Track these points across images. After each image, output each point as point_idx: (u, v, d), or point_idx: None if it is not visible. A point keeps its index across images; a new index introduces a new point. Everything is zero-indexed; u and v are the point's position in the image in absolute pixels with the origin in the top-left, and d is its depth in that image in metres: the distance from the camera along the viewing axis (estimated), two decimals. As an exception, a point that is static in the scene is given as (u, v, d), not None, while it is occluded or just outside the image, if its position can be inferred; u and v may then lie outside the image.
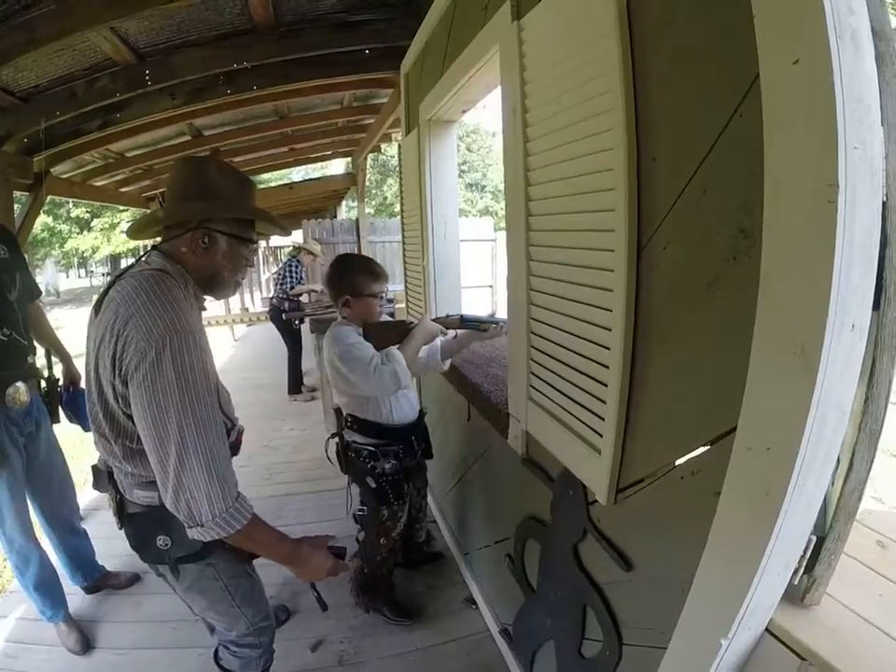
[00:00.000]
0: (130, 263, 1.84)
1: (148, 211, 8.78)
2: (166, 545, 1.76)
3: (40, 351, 3.20)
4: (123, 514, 1.82)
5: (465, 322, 2.82)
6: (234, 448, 1.96)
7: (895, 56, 0.95)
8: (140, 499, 1.72)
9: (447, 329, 2.78)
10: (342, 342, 2.57)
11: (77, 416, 3.24)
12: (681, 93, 1.22)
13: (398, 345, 2.60)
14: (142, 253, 1.85)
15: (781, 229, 0.94)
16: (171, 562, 1.80)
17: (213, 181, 1.73)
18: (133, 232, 1.93)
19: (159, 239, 1.85)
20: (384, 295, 2.76)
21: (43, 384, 3.10)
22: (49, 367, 3.20)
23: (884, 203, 0.94)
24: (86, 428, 3.21)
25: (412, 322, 2.76)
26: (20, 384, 2.75)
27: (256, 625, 2.07)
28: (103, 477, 1.83)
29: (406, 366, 2.50)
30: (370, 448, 2.75)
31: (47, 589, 3.03)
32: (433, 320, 2.78)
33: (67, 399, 3.24)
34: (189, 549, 1.74)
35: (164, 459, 1.50)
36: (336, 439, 2.92)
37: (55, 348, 3.34)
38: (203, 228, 1.70)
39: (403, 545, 3.35)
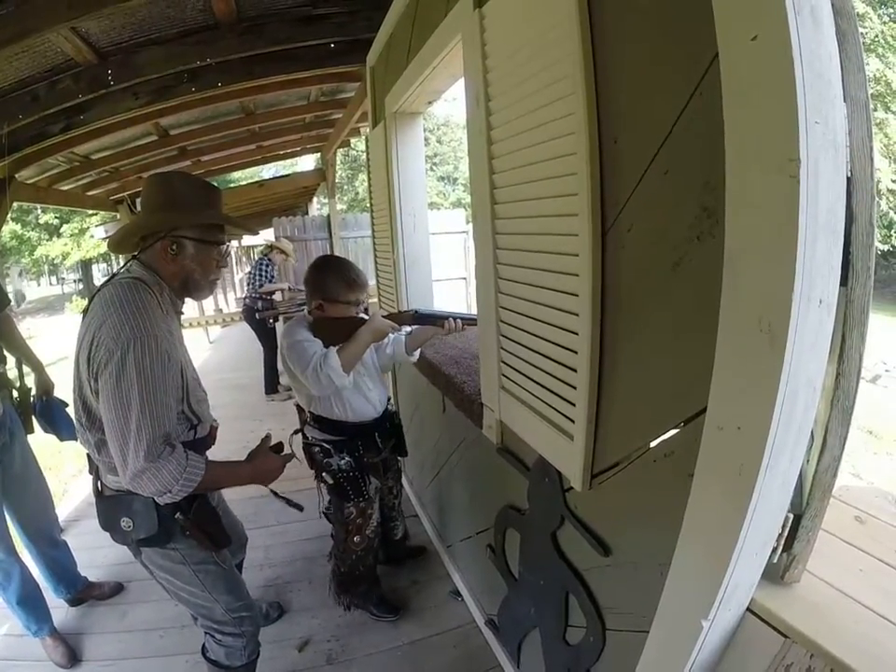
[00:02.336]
0: (115, 271, 2.03)
1: (119, 216, 8.96)
2: (129, 527, 1.91)
3: (11, 361, 3.16)
4: (99, 495, 2.00)
5: (419, 317, 2.80)
6: (207, 442, 2.16)
7: (857, 33, 0.96)
8: (111, 483, 1.91)
9: (401, 325, 2.74)
10: (290, 336, 2.60)
11: (52, 426, 3.21)
12: (641, 75, 1.22)
13: (340, 345, 2.58)
14: (123, 262, 2.01)
15: (744, 205, 0.94)
16: (133, 543, 1.98)
17: (176, 192, 1.92)
18: (114, 246, 2.09)
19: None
20: (360, 303, 2.72)
21: (15, 394, 3.06)
22: (21, 377, 3.17)
23: (849, 179, 0.94)
24: (61, 438, 3.19)
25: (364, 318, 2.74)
26: None
27: (234, 613, 2.18)
28: (92, 462, 2.00)
29: (341, 369, 2.47)
30: (323, 444, 2.74)
31: (30, 604, 2.99)
32: (386, 317, 2.73)
33: (41, 408, 3.20)
34: (149, 531, 1.90)
35: (124, 446, 1.69)
36: (299, 435, 2.90)
37: (27, 358, 3.27)
38: (171, 236, 1.87)
39: (382, 543, 3.34)
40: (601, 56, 1.32)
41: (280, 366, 6.82)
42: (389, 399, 3.07)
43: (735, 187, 0.95)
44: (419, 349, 3.01)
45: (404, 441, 3.16)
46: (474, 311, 2.44)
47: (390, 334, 2.76)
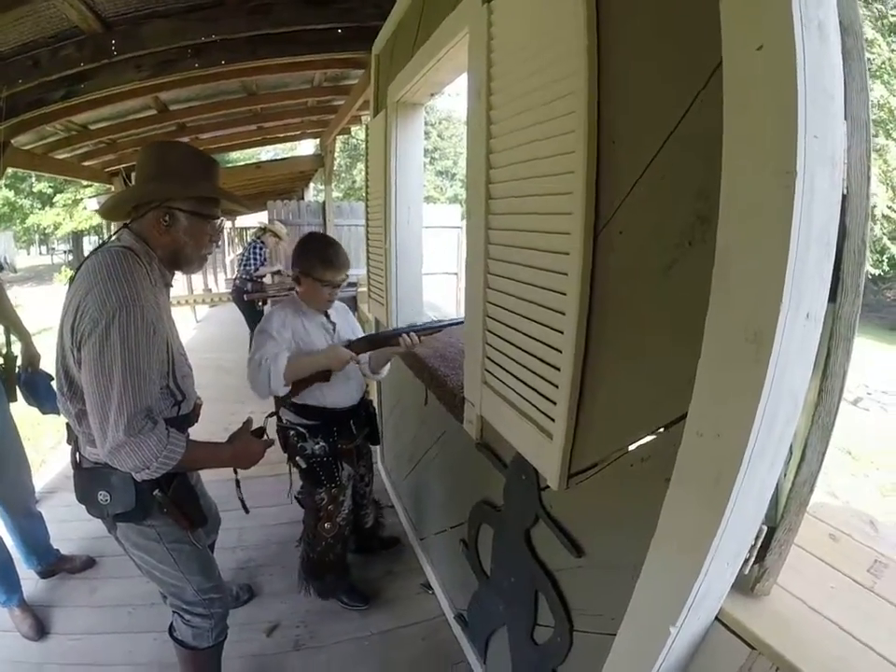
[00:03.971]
0: (104, 239, 2.05)
1: (113, 189, 8.90)
2: (106, 500, 1.89)
3: None
4: (78, 467, 1.98)
5: (372, 342, 2.86)
6: (190, 419, 2.15)
7: (863, 52, 0.96)
8: (90, 455, 1.89)
9: (358, 353, 2.78)
10: (261, 324, 2.69)
11: (35, 397, 3.18)
12: (644, 78, 1.22)
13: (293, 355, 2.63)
14: (114, 231, 1.99)
15: (738, 214, 0.94)
16: (109, 517, 1.96)
17: (172, 162, 1.89)
18: (105, 212, 2.11)
19: None
20: (335, 285, 2.74)
21: (0, 361, 3.06)
22: (8, 344, 3.17)
23: (844, 196, 0.95)
24: (43, 411, 3.17)
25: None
26: None
27: (204, 594, 2.18)
28: (71, 432, 1.99)
29: (282, 375, 2.52)
30: (298, 428, 2.76)
31: (1, 573, 2.99)
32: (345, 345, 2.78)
33: (26, 378, 3.18)
34: (126, 507, 1.90)
35: (104, 418, 1.67)
36: (274, 418, 2.84)
37: (14, 326, 3.27)
38: (164, 206, 1.85)
39: (354, 531, 3.36)
40: (605, 57, 1.32)
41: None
42: (366, 388, 3.10)
43: (730, 194, 0.95)
44: (387, 365, 3.09)
45: (378, 430, 3.21)
46: (462, 308, 2.45)
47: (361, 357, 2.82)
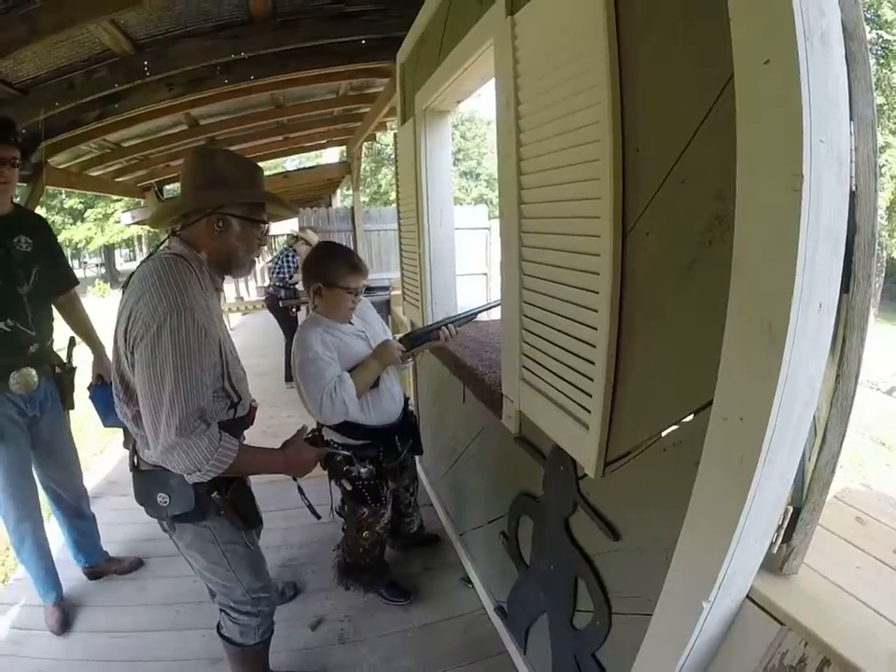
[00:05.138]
0: (155, 246, 2.04)
1: (144, 203, 8.96)
2: (165, 502, 1.94)
3: (64, 339, 3.24)
4: (136, 470, 2.02)
5: (414, 339, 2.84)
6: (246, 422, 2.18)
7: (867, 54, 1.02)
8: (148, 458, 1.91)
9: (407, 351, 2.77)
10: (304, 350, 2.55)
11: (97, 410, 3.20)
12: (663, 89, 1.27)
13: (352, 371, 2.58)
14: (163, 238, 2.02)
15: (751, 215, 1.00)
16: (168, 518, 2.00)
17: (223, 170, 1.89)
18: (154, 221, 2.10)
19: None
20: (359, 291, 2.67)
21: (57, 369, 3.11)
22: (69, 355, 3.22)
23: (853, 192, 1.00)
24: (105, 424, 3.21)
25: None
26: (28, 369, 2.82)
27: (253, 594, 2.21)
28: (128, 436, 2.03)
29: (355, 396, 2.51)
30: (344, 453, 2.65)
31: (41, 569, 3.14)
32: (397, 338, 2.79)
33: (97, 392, 3.21)
34: (185, 508, 1.94)
35: (157, 420, 1.70)
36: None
37: (89, 338, 3.36)
38: (217, 213, 1.86)
39: (394, 531, 3.38)
40: (626, 69, 1.37)
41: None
42: (406, 397, 3.07)
43: (744, 198, 1.01)
44: (410, 359, 3.04)
45: (420, 440, 3.16)
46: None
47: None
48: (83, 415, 3.55)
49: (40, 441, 3.04)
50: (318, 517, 2.34)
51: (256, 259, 2.11)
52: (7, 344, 2.75)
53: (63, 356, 3.21)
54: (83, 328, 3.37)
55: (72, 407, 3.23)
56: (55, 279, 3.10)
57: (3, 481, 2.89)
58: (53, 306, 3.15)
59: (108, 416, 3.15)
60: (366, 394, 2.68)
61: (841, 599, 1.28)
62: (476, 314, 3.01)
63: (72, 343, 3.28)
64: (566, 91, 1.60)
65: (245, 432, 2.17)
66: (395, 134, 4.43)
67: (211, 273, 1.95)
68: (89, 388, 3.23)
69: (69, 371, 3.18)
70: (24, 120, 4.00)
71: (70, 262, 3.36)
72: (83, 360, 3.30)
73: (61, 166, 5.87)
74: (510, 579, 2.60)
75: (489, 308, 3.01)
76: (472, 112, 39.66)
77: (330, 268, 2.59)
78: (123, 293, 1.83)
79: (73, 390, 3.21)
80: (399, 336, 2.87)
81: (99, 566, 3.56)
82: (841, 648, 1.09)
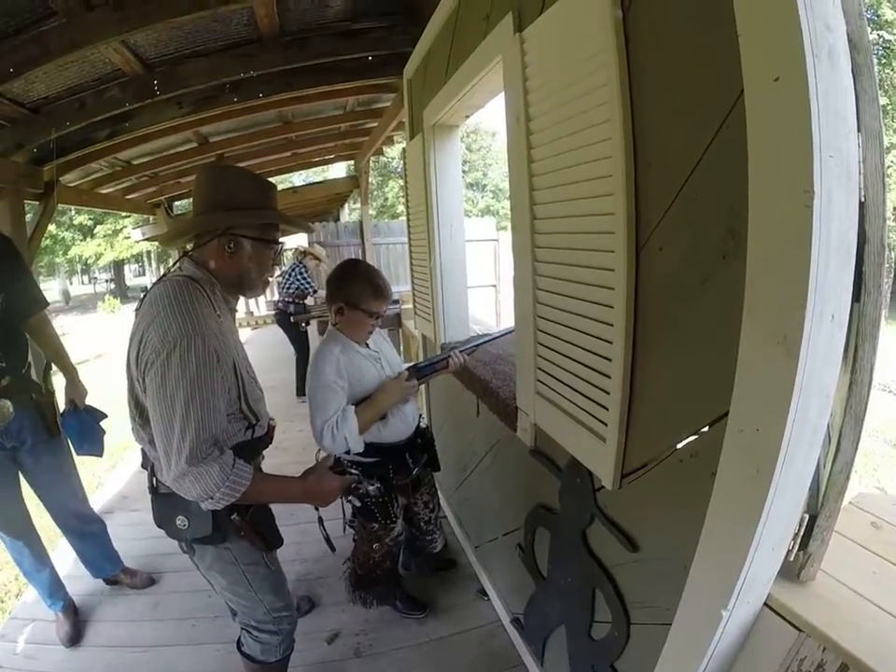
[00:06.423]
0: (167, 269, 1.98)
1: (153, 219, 9.03)
2: (184, 525, 1.92)
3: (39, 365, 3.23)
4: (155, 492, 2.00)
5: (421, 370, 2.78)
6: (265, 441, 2.14)
7: (872, 65, 1.03)
8: (165, 480, 1.82)
9: (419, 383, 2.74)
10: (316, 375, 2.53)
11: (70, 438, 3.23)
12: (674, 106, 1.28)
13: (359, 406, 2.54)
14: (175, 260, 1.98)
15: (764, 230, 1.02)
16: (187, 541, 1.99)
17: (235, 190, 1.86)
18: (165, 242, 2.09)
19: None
20: (380, 315, 2.64)
21: (34, 396, 3.03)
22: (46, 381, 3.15)
23: (861, 204, 1.02)
24: (78, 452, 3.26)
25: None
26: (2, 401, 2.79)
27: (275, 613, 2.19)
28: (146, 458, 2.00)
29: (357, 433, 2.46)
30: (352, 471, 2.48)
31: (43, 582, 3.20)
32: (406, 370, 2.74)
33: (67, 418, 3.21)
34: (204, 532, 1.90)
35: (168, 448, 1.68)
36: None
37: (60, 361, 3.28)
38: (228, 234, 1.83)
39: (417, 552, 3.41)
40: (637, 85, 1.38)
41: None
42: (420, 414, 3.04)
43: (757, 213, 1.03)
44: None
45: (437, 456, 3.12)
46: (503, 319, 2.48)
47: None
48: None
49: (25, 468, 3.04)
50: (333, 550, 2.33)
51: (269, 279, 2.08)
52: None
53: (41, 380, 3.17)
54: (54, 352, 3.26)
55: (58, 432, 3.16)
56: (24, 304, 3.02)
57: None
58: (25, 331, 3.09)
59: (82, 445, 3.22)
60: None
61: (858, 604, 1.28)
62: (484, 343, 2.98)
63: (48, 367, 3.21)
64: (577, 107, 1.61)
65: (258, 447, 2.15)
66: (403, 149, 4.44)
67: (224, 293, 1.93)
68: (61, 415, 3.20)
69: (48, 395, 3.13)
70: (36, 139, 4.06)
71: (46, 280, 3.31)
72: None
73: (72, 184, 5.96)
74: (526, 591, 2.60)
75: (498, 337, 2.98)
76: (477, 124, 39.55)
77: (354, 289, 2.55)
78: (136, 316, 1.80)
79: (55, 415, 3.14)
80: (405, 367, 2.81)
81: (112, 576, 3.62)
82: (859, 652, 1.11)
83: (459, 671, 2.88)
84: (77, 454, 3.29)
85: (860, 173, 1.01)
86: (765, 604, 1.31)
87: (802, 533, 1.27)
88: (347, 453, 2.52)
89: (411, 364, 2.86)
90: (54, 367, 3.25)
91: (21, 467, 3.02)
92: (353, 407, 2.49)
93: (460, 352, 2.83)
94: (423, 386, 4.44)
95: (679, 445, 1.40)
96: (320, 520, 2.30)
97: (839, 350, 1.05)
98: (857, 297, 1.06)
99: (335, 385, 2.49)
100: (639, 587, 1.70)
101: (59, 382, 3.22)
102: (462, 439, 3.66)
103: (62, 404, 3.24)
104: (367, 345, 2.71)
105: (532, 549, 2.49)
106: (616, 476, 1.63)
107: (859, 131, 1.00)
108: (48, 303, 3.23)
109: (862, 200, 1.02)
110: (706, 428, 1.29)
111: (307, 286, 7.28)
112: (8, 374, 2.84)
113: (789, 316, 0.98)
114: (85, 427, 3.26)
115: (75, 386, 3.29)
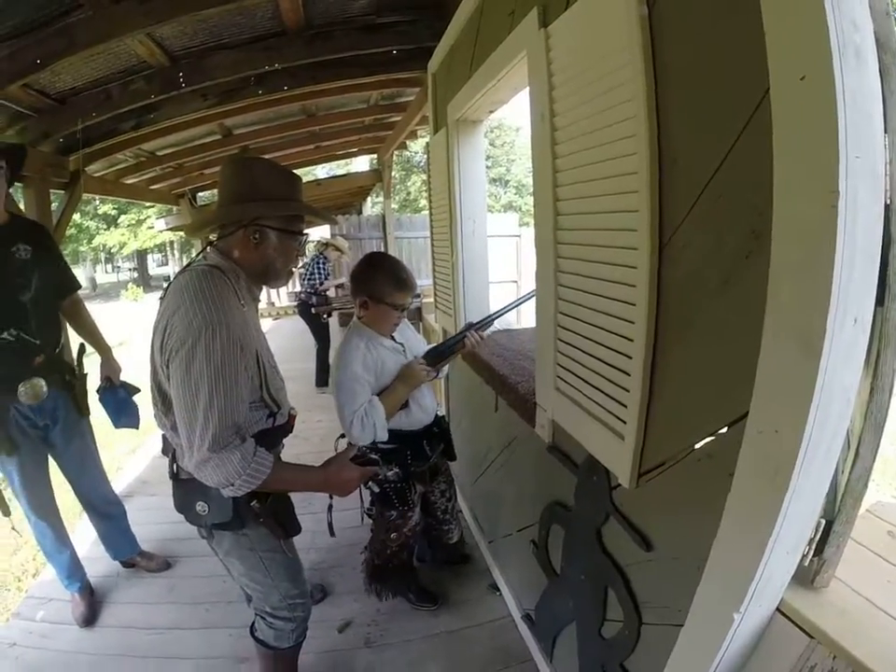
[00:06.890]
0: (192, 258, 2.01)
1: (177, 210, 9.12)
2: (204, 511, 1.95)
3: (73, 346, 3.32)
4: (176, 478, 2.03)
5: (437, 354, 2.78)
6: (286, 429, 2.16)
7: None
8: (187, 467, 1.85)
9: (434, 368, 2.73)
10: (343, 368, 2.54)
11: (107, 412, 3.34)
12: (699, 103, 1.28)
13: (382, 395, 2.57)
14: (201, 249, 2.00)
15: (788, 231, 1.01)
16: (207, 527, 2.02)
17: (261, 181, 1.86)
18: (191, 232, 2.13)
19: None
20: (405, 307, 2.64)
21: (68, 377, 3.14)
22: (79, 363, 3.25)
23: (887, 206, 1.00)
24: (116, 425, 3.35)
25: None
26: (37, 379, 2.85)
27: (290, 600, 2.22)
28: (167, 444, 2.05)
29: (385, 421, 2.50)
30: (372, 456, 2.49)
31: (63, 563, 3.26)
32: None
33: (103, 393, 3.33)
34: (224, 517, 1.94)
35: (191, 434, 1.71)
36: (345, 438, 2.61)
37: (95, 341, 3.42)
38: (254, 225, 1.84)
39: (433, 543, 3.43)
40: (662, 82, 1.37)
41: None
42: (438, 404, 3.06)
43: (781, 213, 1.01)
44: (447, 365, 2.99)
45: (453, 446, 3.13)
46: (524, 316, 2.46)
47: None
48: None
49: (56, 448, 3.13)
50: (333, 535, 2.35)
51: (293, 269, 2.10)
52: (12, 355, 2.78)
53: (75, 362, 3.27)
54: (88, 331, 3.42)
55: (88, 413, 3.27)
56: (57, 285, 3.13)
57: (19, 487, 2.98)
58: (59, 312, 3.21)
59: (119, 418, 3.31)
60: None
61: (871, 613, 1.26)
62: (497, 316, 2.97)
63: (82, 349, 3.31)
64: (602, 103, 1.60)
65: (279, 436, 2.16)
66: (427, 143, 4.44)
67: (248, 283, 1.95)
68: (98, 391, 3.31)
69: (80, 377, 3.22)
70: (62, 130, 4.10)
71: (72, 268, 3.39)
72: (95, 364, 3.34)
73: (97, 174, 5.99)
74: (538, 587, 2.60)
75: (509, 310, 2.97)
76: (501, 119, 39.45)
77: (378, 282, 2.56)
78: (160, 304, 1.82)
79: (86, 396, 3.24)
80: (426, 351, 2.82)
81: (129, 559, 3.68)
82: (870, 662, 1.09)
83: (469, 664, 2.89)
84: (116, 426, 3.37)
85: (885, 174, 0.99)
86: (778, 609, 1.30)
87: (818, 538, 1.25)
88: (372, 443, 2.54)
89: (431, 346, 2.87)
90: (88, 349, 3.33)
91: (52, 448, 3.10)
92: (376, 398, 2.52)
93: (476, 330, 2.83)
94: (442, 381, 4.45)
95: (698, 445, 1.39)
96: (329, 507, 2.34)
97: (861, 354, 1.04)
98: (880, 300, 1.04)
99: (362, 379, 2.52)
100: (652, 587, 1.69)
101: (91, 365, 3.29)
102: (480, 434, 3.66)
103: (92, 388, 3.31)
104: (392, 338, 2.73)
105: (546, 545, 2.48)
106: (633, 474, 1.62)
107: (885, 132, 0.98)
108: (80, 286, 3.34)
109: (888, 202, 1.00)
110: (724, 429, 1.28)
111: (319, 278, 7.30)
112: (42, 353, 2.91)
113: (811, 319, 0.97)
114: (121, 401, 3.36)
115: (110, 364, 3.39)
